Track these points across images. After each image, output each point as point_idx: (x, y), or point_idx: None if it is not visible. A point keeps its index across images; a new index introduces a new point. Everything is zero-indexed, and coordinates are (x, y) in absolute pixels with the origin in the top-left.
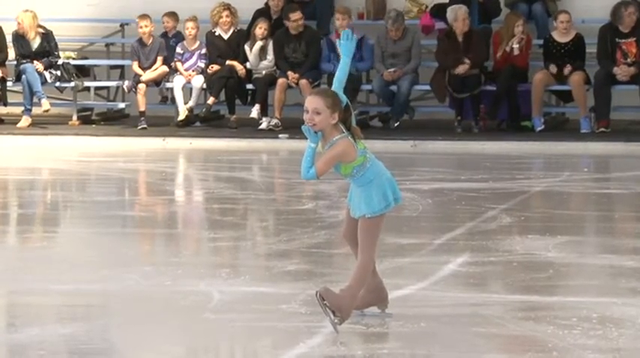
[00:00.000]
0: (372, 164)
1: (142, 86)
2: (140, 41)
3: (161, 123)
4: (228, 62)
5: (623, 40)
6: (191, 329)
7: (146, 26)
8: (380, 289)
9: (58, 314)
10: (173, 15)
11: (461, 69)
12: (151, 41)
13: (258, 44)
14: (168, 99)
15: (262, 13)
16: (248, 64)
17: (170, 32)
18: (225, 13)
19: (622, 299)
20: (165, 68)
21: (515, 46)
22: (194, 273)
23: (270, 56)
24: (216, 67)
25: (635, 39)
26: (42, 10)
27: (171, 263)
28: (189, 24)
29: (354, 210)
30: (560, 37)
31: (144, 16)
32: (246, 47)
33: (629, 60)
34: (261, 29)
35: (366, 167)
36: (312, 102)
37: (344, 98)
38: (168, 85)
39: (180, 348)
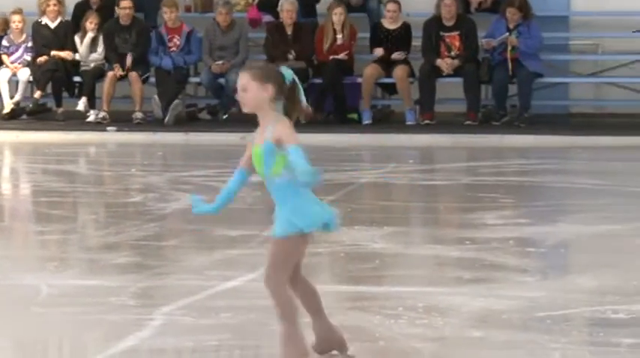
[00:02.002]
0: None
1: None
2: None
3: None
4: (54, 52)
5: (447, 34)
6: (18, 323)
7: None
8: (333, 331)
9: None
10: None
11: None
12: None
13: (89, 36)
14: None
15: (83, 5)
16: (77, 56)
17: None
18: (53, 1)
19: (447, 288)
20: None
21: (339, 42)
22: (21, 267)
23: (101, 48)
24: (43, 58)
25: (458, 32)
26: None
27: None
28: (16, 17)
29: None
30: (389, 24)
31: None
32: (76, 38)
33: (452, 53)
34: (91, 24)
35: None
36: (240, 78)
37: (289, 74)
38: None
39: (7, 342)
